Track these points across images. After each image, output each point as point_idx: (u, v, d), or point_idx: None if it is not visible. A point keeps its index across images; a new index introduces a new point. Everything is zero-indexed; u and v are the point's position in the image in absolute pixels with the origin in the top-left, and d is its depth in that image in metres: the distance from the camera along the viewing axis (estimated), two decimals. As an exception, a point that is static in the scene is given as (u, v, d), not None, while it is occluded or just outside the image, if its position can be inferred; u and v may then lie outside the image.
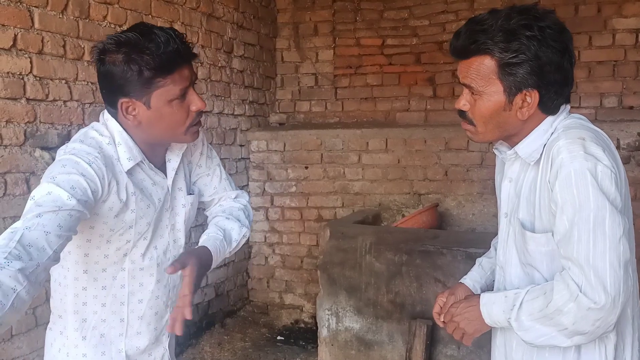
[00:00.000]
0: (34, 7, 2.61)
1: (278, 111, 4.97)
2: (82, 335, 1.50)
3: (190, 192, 1.63)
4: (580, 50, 4.15)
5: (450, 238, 3.23)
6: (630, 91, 4.12)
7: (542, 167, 1.31)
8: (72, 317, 1.50)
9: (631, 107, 4.13)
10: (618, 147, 3.76)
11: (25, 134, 2.59)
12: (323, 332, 3.30)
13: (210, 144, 4.04)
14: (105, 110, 1.45)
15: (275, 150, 4.56)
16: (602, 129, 1.38)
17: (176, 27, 3.59)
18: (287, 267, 4.63)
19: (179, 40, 1.36)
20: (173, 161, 1.55)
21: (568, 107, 1.36)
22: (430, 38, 4.57)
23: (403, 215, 4.12)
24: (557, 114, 1.34)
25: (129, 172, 1.43)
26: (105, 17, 3.03)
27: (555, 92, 1.30)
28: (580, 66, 4.16)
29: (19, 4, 2.53)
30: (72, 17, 2.82)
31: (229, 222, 1.65)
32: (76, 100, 2.86)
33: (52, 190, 1.23)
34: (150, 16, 3.35)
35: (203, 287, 4.04)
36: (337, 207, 4.47)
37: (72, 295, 1.49)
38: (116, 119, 1.43)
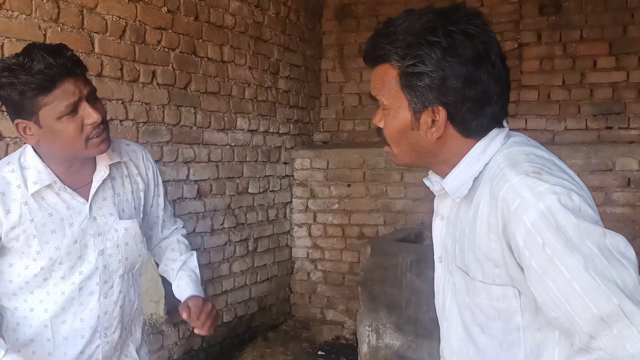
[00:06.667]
0: (95, 32, 2.80)
1: (322, 130, 5.06)
2: None
3: (129, 217, 1.58)
4: (629, 71, 4.09)
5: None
6: (680, 111, 4.03)
7: (482, 208, 1.06)
8: None
9: (681, 128, 4.04)
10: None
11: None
12: (363, 349, 3.33)
13: (256, 161, 4.17)
14: None
15: (319, 168, 4.64)
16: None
17: (225, 50, 3.75)
18: (329, 283, 4.68)
19: (57, 55, 1.33)
20: (94, 186, 1.51)
21: (505, 130, 1.12)
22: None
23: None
24: (489, 138, 1.10)
25: (38, 196, 1.45)
26: (159, 42, 3.20)
27: (469, 111, 1.06)
28: (629, 87, 4.11)
29: (81, 30, 2.72)
30: (129, 42, 3.00)
31: (192, 258, 1.76)
32: (131, 120, 3.04)
33: None
34: (201, 40, 3.51)
35: (247, 300, 4.14)
36: (379, 225, 4.50)
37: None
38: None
